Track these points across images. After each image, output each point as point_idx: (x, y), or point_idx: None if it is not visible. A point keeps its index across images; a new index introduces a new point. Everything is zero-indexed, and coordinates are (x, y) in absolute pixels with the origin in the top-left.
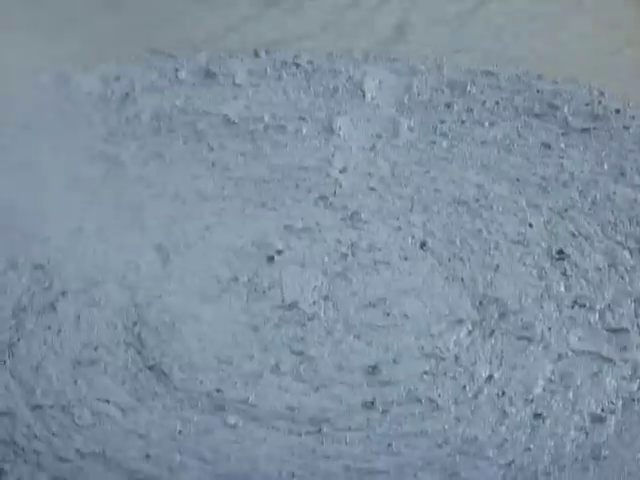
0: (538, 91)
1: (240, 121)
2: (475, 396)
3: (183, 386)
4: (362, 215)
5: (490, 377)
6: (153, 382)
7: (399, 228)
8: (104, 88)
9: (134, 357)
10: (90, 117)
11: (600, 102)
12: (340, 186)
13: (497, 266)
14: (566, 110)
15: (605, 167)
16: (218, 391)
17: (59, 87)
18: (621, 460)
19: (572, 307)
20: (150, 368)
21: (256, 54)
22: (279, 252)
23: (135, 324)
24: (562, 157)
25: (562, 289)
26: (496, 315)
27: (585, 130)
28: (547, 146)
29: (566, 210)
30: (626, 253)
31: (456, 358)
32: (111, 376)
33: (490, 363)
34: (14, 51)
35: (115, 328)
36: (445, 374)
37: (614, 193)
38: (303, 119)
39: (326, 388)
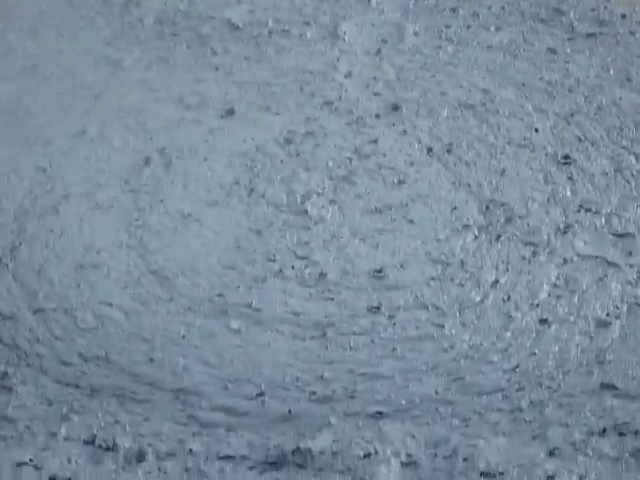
0: None
1: (244, 25)
2: (481, 301)
3: (186, 291)
4: (367, 120)
5: (496, 282)
6: (156, 286)
7: (404, 132)
8: None
9: (136, 261)
10: (93, 21)
11: (606, 7)
12: (345, 91)
13: (503, 170)
14: (572, 15)
15: (611, 72)
16: (220, 295)
17: None
18: (625, 364)
19: (578, 211)
20: (153, 272)
21: None
22: (284, 155)
23: (138, 228)
24: (568, 62)
25: (568, 194)
26: (502, 220)
27: (591, 35)
28: (553, 51)
29: (572, 115)
30: (632, 158)
31: (462, 263)
32: (114, 280)
33: (496, 268)
34: None
35: (117, 232)
36: (452, 280)
37: (620, 98)
38: (307, 24)
39: (331, 292)
